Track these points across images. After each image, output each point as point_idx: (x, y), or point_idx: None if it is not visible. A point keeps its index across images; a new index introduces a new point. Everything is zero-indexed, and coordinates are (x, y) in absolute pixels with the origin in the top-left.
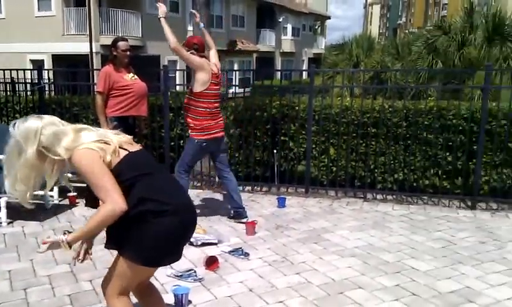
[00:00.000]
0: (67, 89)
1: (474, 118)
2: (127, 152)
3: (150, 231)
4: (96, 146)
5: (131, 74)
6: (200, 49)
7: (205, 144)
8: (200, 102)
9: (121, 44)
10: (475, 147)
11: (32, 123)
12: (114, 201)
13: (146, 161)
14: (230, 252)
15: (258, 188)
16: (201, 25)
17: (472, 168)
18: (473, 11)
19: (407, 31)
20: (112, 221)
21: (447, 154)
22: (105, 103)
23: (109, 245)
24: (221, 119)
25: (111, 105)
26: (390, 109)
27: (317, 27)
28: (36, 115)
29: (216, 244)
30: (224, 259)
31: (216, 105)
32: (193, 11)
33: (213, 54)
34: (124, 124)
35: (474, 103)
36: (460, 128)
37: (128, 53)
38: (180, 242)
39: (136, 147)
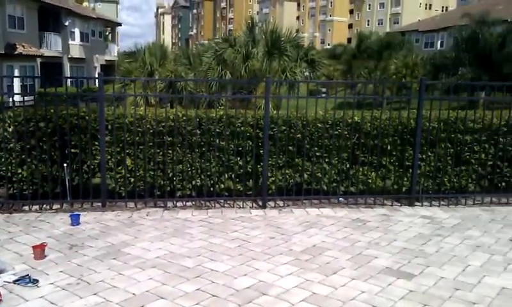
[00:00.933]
0: None
1: (259, 124)
2: None
3: None
4: None
5: None
6: None
7: None
8: None
9: None
10: (261, 151)
11: None
12: None
13: None
14: (15, 281)
15: (48, 207)
16: None
17: (260, 170)
18: (255, 26)
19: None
20: None
21: (238, 159)
22: None
23: None
24: None
25: None
26: (184, 118)
27: (107, 33)
28: None
29: None
30: (9, 290)
31: None
32: None
33: None
34: None
35: (258, 111)
36: (248, 134)
37: None
38: None
39: None
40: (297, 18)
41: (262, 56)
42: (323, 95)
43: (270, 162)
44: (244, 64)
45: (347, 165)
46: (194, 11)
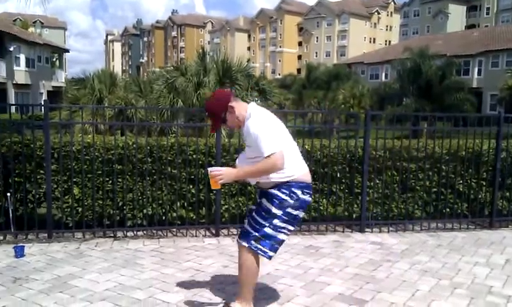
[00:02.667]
0: None
1: (211, 152)
2: None
3: None
4: None
5: None
6: None
7: None
8: None
9: None
10: None
11: None
12: None
13: None
14: None
15: None
16: None
17: (213, 198)
18: (206, 55)
19: (149, 70)
20: None
21: (191, 187)
22: None
23: None
24: None
25: None
26: (134, 146)
27: (54, 59)
28: None
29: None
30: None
31: None
32: None
33: None
34: None
35: (210, 139)
36: (200, 162)
37: None
38: None
39: None
40: (248, 48)
41: (213, 85)
42: None
43: (223, 190)
44: (196, 93)
45: None
46: (145, 39)
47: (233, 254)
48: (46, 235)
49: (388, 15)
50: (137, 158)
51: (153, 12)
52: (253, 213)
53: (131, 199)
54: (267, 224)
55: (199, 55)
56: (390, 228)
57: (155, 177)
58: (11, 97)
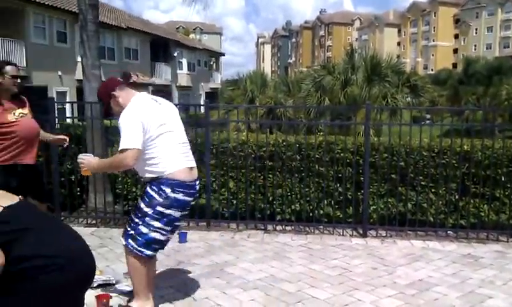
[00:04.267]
0: None
1: (359, 151)
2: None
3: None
4: None
5: (19, 110)
6: None
7: None
8: None
9: (9, 68)
10: (362, 178)
11: None
12: None
13: (25, 213)
14: (129, 292)
15: None
16: None
17: (361, 198)
18: (354, 53)
19: (297, 70)
20: None
21: (338, 185)
22: None
23: None
24: None
25: None
26: (284, 143)
27: (212, 62)
28: None
29: (114, 284)
30: (123, 300)
31: None
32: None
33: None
34: (12, 174)
35: (358, 138)
36: (348, 161)
37: (18, 80)
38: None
39: (11, 199)
40: (398, 44)
41: (361, 82)
42: (427, 122)
43: (371, 190)
44: (343, 91)
45: (456, 197)
46: (293, 40)
47: (383, 257)
48: (205, 223)
49: None
50: (287, 155)
51: (302, 13)
52: (132, 212)
53: (280, 195)
54: (140, 222)
55: (347, 53)
56: None
57: (303, 174)
58: (175, 98)
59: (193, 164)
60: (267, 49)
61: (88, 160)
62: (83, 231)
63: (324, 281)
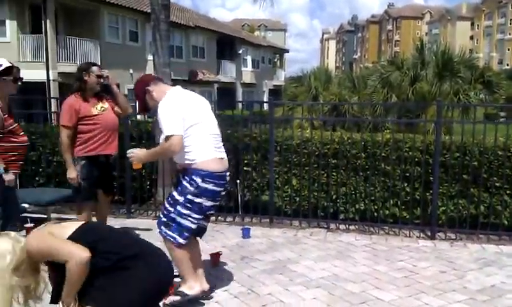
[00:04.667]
0: (23, 117)
1: (429, 150)
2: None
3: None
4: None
5: (100, 104)
6: None
7: None
8: None
9: (95, 68)
10: (431, 178)
11: None
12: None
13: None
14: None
15: (222, 219)
16: None
17: (430, 199)
18: (424, 48)
19: (362, 66)
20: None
21: (405, 185)
22: (73, 140)
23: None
24: None
25: (77, 142)
26: (349, 141)
27: (276, 59)
28: None
29: (178, 276)
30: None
31: None
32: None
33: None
34: (94, 164)
35: (428, 136)
36: (416, 159)
37: (101, 79)
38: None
39: (71, 228)
40: (471, 38)
41: (431, 78)
42: (502, 119)
43: (441, 191)
44: (412, 87)
45: None
46: (359, 34)
47: (452, 260)
48: (268, 220)
49: None
50: (351, 153)
51: (369, 7)
52: (165, 200)
53: (344, 193)
54: (172, 210)
55: (416, 48)
56: None
57: (368, 173)
58: (239, 95)
59: (223, 155)
60: (332, 45)
61: (135, 153)
62: (151, 224)
63: (389, 282)
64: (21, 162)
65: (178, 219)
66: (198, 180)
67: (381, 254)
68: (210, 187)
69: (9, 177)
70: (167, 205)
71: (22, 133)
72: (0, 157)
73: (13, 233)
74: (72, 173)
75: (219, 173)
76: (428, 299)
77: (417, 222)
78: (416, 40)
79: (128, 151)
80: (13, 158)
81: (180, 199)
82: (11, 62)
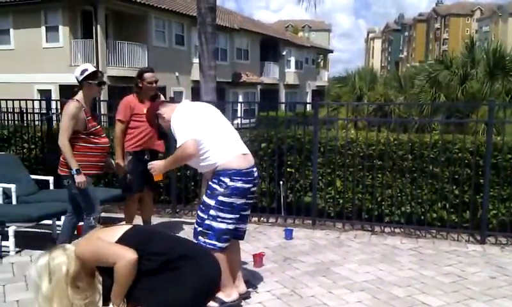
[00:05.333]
0: None
1: (479, 151)
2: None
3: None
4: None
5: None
6: None
7: None
8: None
9: (147, 75)
10: (481, 180)
11: (41, 260)
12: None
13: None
14: None
15: (265, 220)
16: None
17: (480, 202)
18: (474, 46)
19: (408, 65)
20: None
21: (454, 187)
22: (125, 135)
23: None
24: None
25: (127, 137)
26: (395, 142)
27: (319, 60)
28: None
29: None
30: None
31: None
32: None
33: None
34: (140, 160)
35: (478, 137)
36: (466, 161)
37: (154, 85)
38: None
39: (119, 232)
40: None
41: (482, 77)
42: None
43: (491, 193)
44: (461, 86)
45: None
46: (406, 33)
47: (502, 266)
48: (310, 221)
49: None
50: (398, 154)
51: (416, 6)
52: (197, 208)
53: (390, 196)
54: (205, 217)
55: (466, 46)
56: None
57: (415, 175)
58: (282, 96)
59: (246, 150)
60: (377, 44)
61: (154, 164)
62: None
63: (436, 287)
64: (102, 164)
65: (214, 224)
66: (227, 180)
67: (427, 258)
68: (239, 184)
69: (80, 179)
70: (200, 213)
71: (104, 135)
72: (75, 158)
73: (68, 245)
74: (120, 161)
75: (245, 170)
76: (477, 305)
77: (466, 226)
78: (466, 38)
79: (149, 164)
80: (93, 159)
81: (212, 202)
82: (95, 67)
